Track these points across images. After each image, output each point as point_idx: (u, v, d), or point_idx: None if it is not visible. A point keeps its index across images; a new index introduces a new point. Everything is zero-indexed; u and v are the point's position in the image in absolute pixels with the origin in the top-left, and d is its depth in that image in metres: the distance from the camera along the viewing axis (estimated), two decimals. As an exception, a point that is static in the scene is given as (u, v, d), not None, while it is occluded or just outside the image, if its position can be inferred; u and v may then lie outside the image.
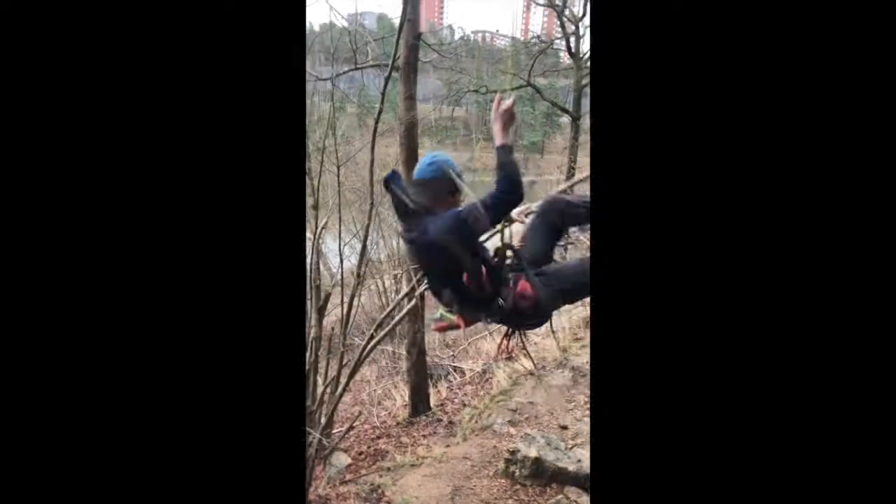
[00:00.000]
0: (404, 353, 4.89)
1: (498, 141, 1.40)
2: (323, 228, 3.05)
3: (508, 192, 1.35)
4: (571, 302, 1.79)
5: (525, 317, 1.62)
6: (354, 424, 3.56)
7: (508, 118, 1.43)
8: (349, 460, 3.33)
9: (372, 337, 3.13)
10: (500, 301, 1.55)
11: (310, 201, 3.05)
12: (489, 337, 6.06)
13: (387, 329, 3.36)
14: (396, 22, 3.27)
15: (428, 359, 4.77)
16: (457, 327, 1.75)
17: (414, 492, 2.53)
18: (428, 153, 1.68)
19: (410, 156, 3.99)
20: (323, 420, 3.10)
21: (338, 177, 3.65)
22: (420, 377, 4.32)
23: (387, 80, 2.73)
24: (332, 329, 4.85)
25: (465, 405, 4.32)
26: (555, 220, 1.71)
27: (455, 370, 5.50)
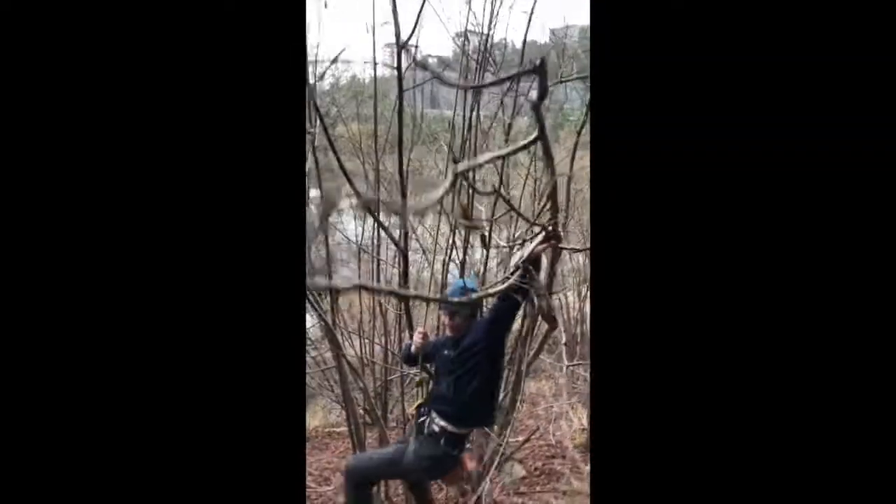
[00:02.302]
0: (583, 373, 4.67)
1: None
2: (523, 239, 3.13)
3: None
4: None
5: None
6: (531, 438, 3.55)
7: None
8: (524, 472, 3.33)
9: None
10: None
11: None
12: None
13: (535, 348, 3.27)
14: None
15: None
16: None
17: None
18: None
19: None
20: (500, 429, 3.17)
21: (519, 188, 3.70)
22: (601, 403, 4.08)
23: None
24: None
25: (651, 443, 3.90)
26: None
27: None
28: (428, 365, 2.01)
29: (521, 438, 3.61)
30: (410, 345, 2.00)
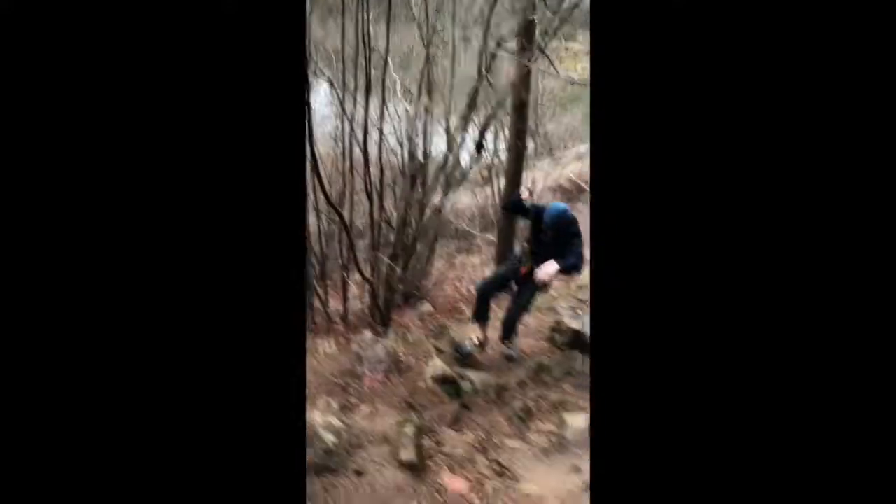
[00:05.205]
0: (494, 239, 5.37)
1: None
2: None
3: None
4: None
5: None
6: (443, 282, 4.23)
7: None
8: (432, 309, 4.05)
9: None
10: None
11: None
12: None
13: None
14: None
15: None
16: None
17: (472, 334, 3.11)
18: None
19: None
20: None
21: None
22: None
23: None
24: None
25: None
26: None
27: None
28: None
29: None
30: (519, 195, 2.80)
